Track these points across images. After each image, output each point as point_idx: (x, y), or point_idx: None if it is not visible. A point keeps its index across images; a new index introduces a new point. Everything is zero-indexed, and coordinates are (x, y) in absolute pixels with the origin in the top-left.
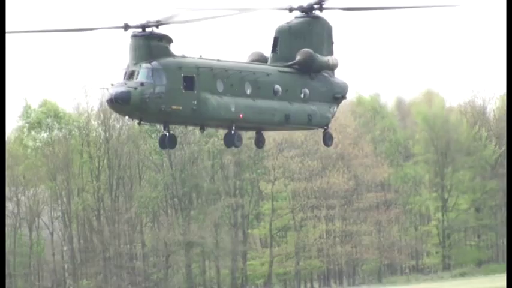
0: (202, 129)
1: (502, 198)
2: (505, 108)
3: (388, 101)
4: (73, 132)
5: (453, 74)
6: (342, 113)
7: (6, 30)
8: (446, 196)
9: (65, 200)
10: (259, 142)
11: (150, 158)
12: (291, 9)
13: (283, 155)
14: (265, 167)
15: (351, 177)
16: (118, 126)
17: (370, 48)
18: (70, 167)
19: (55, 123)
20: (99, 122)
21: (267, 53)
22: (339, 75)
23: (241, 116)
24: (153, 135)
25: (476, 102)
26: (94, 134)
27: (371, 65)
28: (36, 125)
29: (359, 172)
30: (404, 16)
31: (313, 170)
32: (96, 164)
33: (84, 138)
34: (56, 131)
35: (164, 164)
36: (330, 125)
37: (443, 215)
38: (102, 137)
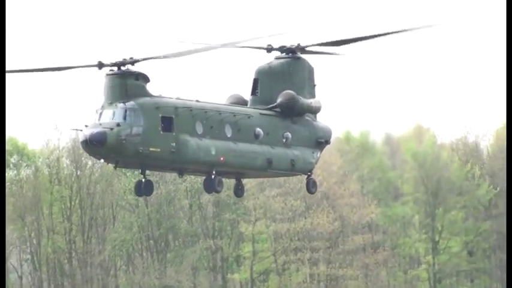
0: (180, 174)
1: (496, 240)
2: (500, 144)
3: (377, 138)
4: (42, 169)
5: (444, 108)
6: (327, 150)
7: None
8: (437, 238)
9: (34, 241)
10: (239, 190)
11: (125, 197)
12: (269, 50)
13: (265, 194)
14: (246, 207)
15: (336, 218)
16: (90, 163)
17: (358, 83)
18: (39, 207)
19: (21, 161)
20: (71, 159)
21: (246, 95)
22: (325, 114)
23: (222, 159)
24: (127, 174)
25: (468, 139)
26: (65, 172)
27: (359, 100)
28: None
29: (345, 212)
30: (392, 49)
31: (297, 210)
32: (68, 204)
33: (54, 176)
34: (23, 169)
35: (139, 204)
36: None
37: (434, 258)
38: (73, 175)
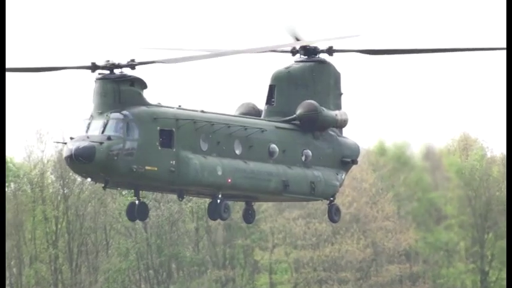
0: (180, 196)
1: None
2: None
3: (416, 151)
4: (24, 187)
5: (495, 116)
6: (357, 165)
7: None
8: (486, 268)
9: (14, 270)
10: (248, 216)
11: (120, 219)
12: (293, 51)
13: (284, 216)
14: (262, 231)
15: (368, 244)
16: (80, 180)
17: (394, 88)
18: (20, 231)
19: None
20: (57, 175)
21: (260, 104)
22: (354, 124)
23: (229, 180)
24: (123, 192)
25: None
26: (50, 190)
27: (394, 106)
28: None
29: (378, 238)
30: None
31: (321, 235)
32: (53, 227)
33: (37, 194)
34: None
35: (137, 227)
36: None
37: None
38: (60, 193)
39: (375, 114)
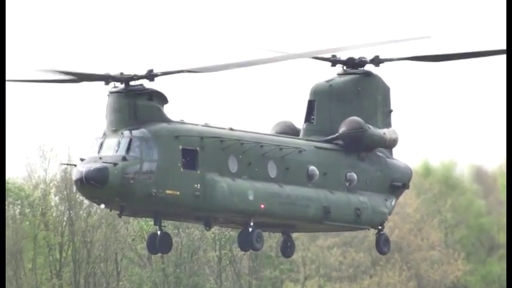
0: (207, 225)
1: None
2: None
3: (465, 172)
4: (24, 210)
5: None
6: None
7: None
8: None
9: None
10: (287, 248)
11: (133, 247)
12: (334, 62)
13: (318, 245)
14: (292, 262)
15: (411, 276)
16: (87, 202)
17: (440, 102)
18: (20, 259)
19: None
20: (61, 196)
21: (299, 121)
22: (400, 150)
23: (262, 206)
24: None
25: None
26: (54, 213)
27: (440, 123)
28: None
29: (423, 269)
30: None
31: (359, 266)
32: (57, 255)
33: (39, 218)
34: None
35: (152, 256)
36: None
37: None
38: (65, 216)
39: (419, 130)
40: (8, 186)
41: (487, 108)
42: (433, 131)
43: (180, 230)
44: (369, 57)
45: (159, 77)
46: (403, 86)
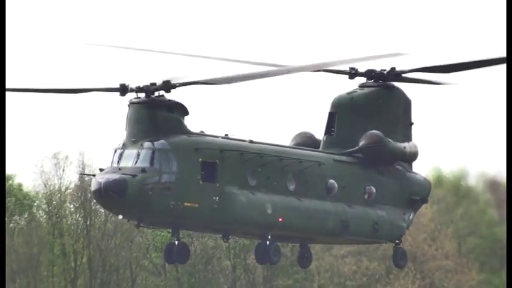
0: (225, 237)
1: None
2: None
3: (478, 181)
4: (39, 218)
5: None
6: None
7: None
8: None
9: None
10: (304, 259)
11: (147, 255)
12: (353, 75)
13: (332, 254)
14: (307, 271)
15: (425, 286)
16: (103, 211)
17: (453, 110)
18: (36, 267)
19: (13, 206)
20: (77, 205)
21: (319, 134)
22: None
23: (280, 220)
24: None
25: None
26: (69, 221)
27: (455, 132)
28: None
29: (437, 279)
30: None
31: (373, 275)
32: (72, 263)
33: (55, 226)
34: (15, 217)
35: (166, 265)
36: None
37: None
38: (80, 225)
39: (428, 138)
40: (22, 193)
41: (498, 117)
42: (445, 139)
43: (194, 239)
44: (385, 69)
45: (177, 88)
46: (411, 95)
